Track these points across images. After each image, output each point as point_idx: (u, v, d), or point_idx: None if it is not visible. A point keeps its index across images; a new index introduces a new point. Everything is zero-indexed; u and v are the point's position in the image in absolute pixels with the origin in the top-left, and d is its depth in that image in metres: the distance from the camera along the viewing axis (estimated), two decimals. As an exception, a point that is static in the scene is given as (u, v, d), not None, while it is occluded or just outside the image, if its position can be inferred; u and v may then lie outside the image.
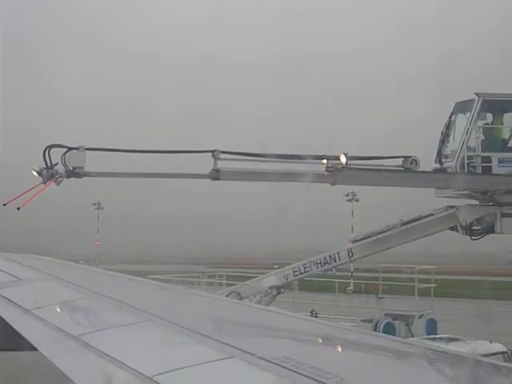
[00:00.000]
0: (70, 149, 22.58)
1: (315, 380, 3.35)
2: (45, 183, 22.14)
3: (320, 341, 5.30)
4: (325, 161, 24.30)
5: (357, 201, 58.41)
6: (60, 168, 22.35)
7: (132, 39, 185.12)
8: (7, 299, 7.17)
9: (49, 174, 22.13)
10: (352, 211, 58.32)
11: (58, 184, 22.32)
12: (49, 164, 22.20)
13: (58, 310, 6.62)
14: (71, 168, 22.42)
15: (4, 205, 22.22)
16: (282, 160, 24.42)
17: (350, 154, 24.29)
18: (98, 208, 69.73)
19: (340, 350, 4.98)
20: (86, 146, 23.04)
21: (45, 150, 22.26)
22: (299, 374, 3.49)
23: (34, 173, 22.29)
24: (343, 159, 23.98)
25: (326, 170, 24.17)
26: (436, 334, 23.49)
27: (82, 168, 22.58)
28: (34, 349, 5.13)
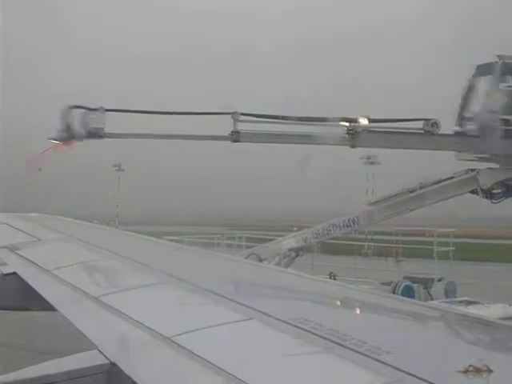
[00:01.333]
0: (89, 110, 22.60)
1: (333, 342, 3.35)
2: (66, 144, 22.20)
3: (338, 303, 5.30)
4: (345, 123, 24.20)
5: (374, 164, 57.95)
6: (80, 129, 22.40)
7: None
8: (27, 259, 7.22)
9: (69, 135, 22.18)
10: (371, 174, 58.00)
11: (81, 141, 22.36)
12: (68, 125, 22.24)
13: (78, 270, 6.66)
14: (91, 129, 22.46)
15: (27, 165, 22.33)
16: (302, 122, 24.34)
17: (369, 117, 24.19)
18: (118, 170, 69.83)
19: (358, 312, 4.98)
20: (106, 108, 23.06)
21: (64, 111, 22.29)
22: (317, 335, 3.49)
23: (52, 140, 22.29)
24: (363, 121, 23.87)
25: (347, 133, 24.09)
26: (455, 298, 23.50)
27: (102, 129, 22.61)
28: (54, 309, 5.16)
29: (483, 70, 25.36)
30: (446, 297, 23.88)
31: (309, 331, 3.57)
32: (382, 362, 2.98)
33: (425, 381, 2.71)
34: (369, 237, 51.05)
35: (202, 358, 3.39)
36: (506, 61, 24.63)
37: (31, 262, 7.06)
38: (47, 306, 5.33)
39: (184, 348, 3.59)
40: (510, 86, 25.42)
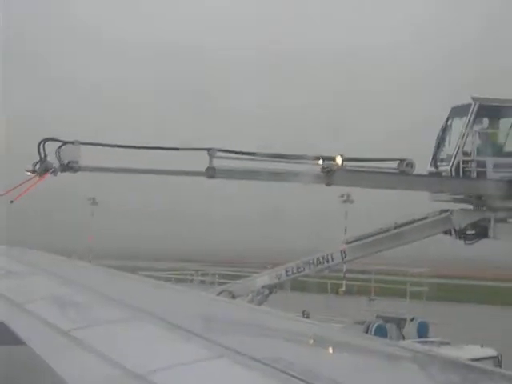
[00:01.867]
0: (64, 143, 22.51)
1: (306, 382, 3.33)
2: (40, 176, 22.07)
3: (311, 342, 5.28)
4: (320, 161, 24.30)
5: (351, 202, 58.34)
6: (55, 161, 22.28)
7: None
8: None
9: (43, 167, 22.05)
10: (346, 213, 58.28)
11: (54, 175, 22.23)
12: (43, 157, 22.12)
13: (49, 304, 6.59)
14: (66, 162, 22.34)
15: None
16: (277, 159, 24.41)
17: (346, 156, 24.32)
18: (92, 203, 69.63)
19: (331, 351, 4.96)
20: (81, 141, 22.98)
21: (39, 144, 22.18)
22: (289, 375, 3.47)
23: (28, 173, 22.15)
24: (339, 160, 23.98)
25: (322, 171, 24.17)
26: (427, 338, 23.51)
27: (76, 162, 22.50)
28: (24, 343, 5.10)
29: (458, 111, 25.65)
30: (419, 337, 23.89)
31: (281, 370, 3.54)
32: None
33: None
34: (342, 275, 51.15)
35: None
36: (481, 103, 24.93)
37: (2, 295, 6.98)
38: (17, 341, 5.26)
39: (155, 385, 3.55)
40: (483, 128, 25.72)
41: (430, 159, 25.63)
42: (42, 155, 22.13)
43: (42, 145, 22.22)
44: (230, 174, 24.24)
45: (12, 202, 21.88)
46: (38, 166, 22.10)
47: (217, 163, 23.55)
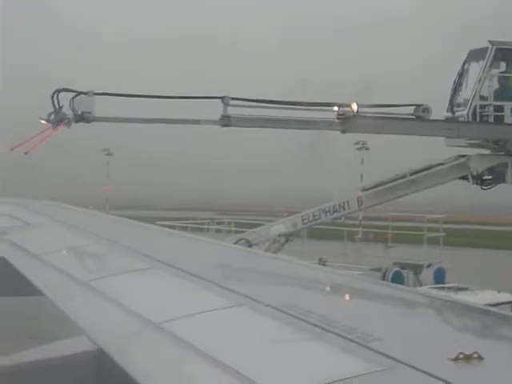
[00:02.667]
0: (78, 93, 22.45)
1: (323, 328, 3.33)
2: (54, 128, 22.07)
3: (328, 289, 5.28)
4: (336, 108, 24.14)
5: (367, 149, 58.07)
6: (69, 112, 22.26)
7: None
8: (16, 244, 7.18)
9: (57, 118, 22.04)
10: (362, 160, 58.07)
11: (68, 127, 22.23)
12: (57, 108, 22.10)
13: (67, 255, 6.63)
14: (80, 113, 22.32)
15: (11, 149, 22.21)
16: (292, 107, 24.27)
17: (361, 103, 24.16)
18: (107, 154, 69.68)
19: (348, 298, 4.96)
20: (95, 91, 22.93)
21: (53, 94, 22.13)
22: (307, 322, 3.47)
23: (43, 121, 22.17)
24: (354, 107, 23.82)
25: (337, 118, 24.03)
26: (444, 284, 23.56)
27: (90, 113, 22.47)
28: (42, 294, 5.14)
29: (475, 55, 25.33)
30: (436, 283, 23.94)
31: (298, 318, 3.55)
32: (371, 350, 2.96)
33: (415, 368, 2.69)
34: (359, 222, 51.17)
35: (191, 345, 3.36)
36: (498, 46, 24.60)
37: (19, 246, 7.02)
38: (36, 291, 5.30)
39: (173, 335, 3.57)
40: (501, 72, 25.42)
41: (447, 104, 25.41)
42: (57, 106, 22.10)
43: (55, 95, 22.17)
44: (245, 122, 24.15)
45: (26, 153, 21.92)
46: (52, 116, 22.09)
47: (231, 111, 23.48)
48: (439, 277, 24.93)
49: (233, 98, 23.50)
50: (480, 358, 2.74)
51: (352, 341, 3.10)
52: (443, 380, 2.57)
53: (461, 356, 2.73)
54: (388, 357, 2.85)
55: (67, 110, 22.23)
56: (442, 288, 21.54)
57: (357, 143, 57.10)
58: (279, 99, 24.35)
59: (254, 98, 24.16)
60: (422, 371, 2.66)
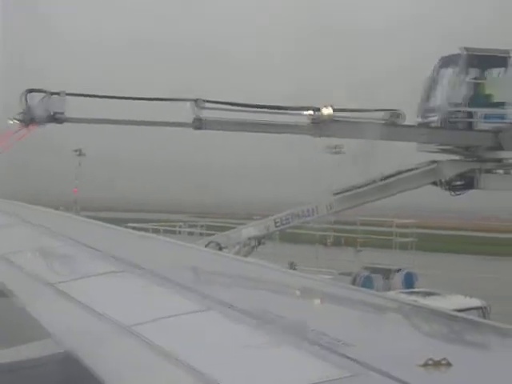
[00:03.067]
0: (50, 93, 22.30)
1: (292, 333, 3.32)
2: (25, 127, 21.91)
3: (298, 293, 5.28)
4: (310, 112, 24.18)
5: (338, 154, 58.16)
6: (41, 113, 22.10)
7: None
8: None
9: (27, 117, 21.88)
10: (335, 164, 58.10)
11: (41, 126, 22.08)
12: (27, 108, 21.93)
13: (35, 256, 6.56)
14: (52, 113, 22.16)
15: None
16: (266, 111, 24.27)
17: (335, 106, 24.22)
18: (79, 154, 69.31)
19: (318, 303, 4.96)
20: (67, 92, 22.79)
21: (23, 94, 21.97)
22: (276, 326, 3.46)
23: (11, 122, 21.99)
24: (329, 111, 23.88)
25: (311, 122, 24.07)
26: (414, 288, 23.68)
27: (62, 113, 22.32)
28: (7, 296, 5.07)
29: (447, 61, 25.49)
30: (405, 287, 24.06)
31: (268, 322, 3.53)
32: (341, 355, 2.95)
33: (384, 374, 2.69)
34: (329, 226, 51.28)
35: (160, 348, 3.34)
36: (470, 53, 24.77)
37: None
38: (1, 293, 5.22)
39: (142, 338, 3.54)
40: (473, 78, 25.60)
41: (418, 110, 25.55)
42: (25, 105, 21.94)
43: (25, 95, 22.01)
44: (218, 125, 24.11)
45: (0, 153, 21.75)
46: (22, 116, 21.93)
47: (204, 114, 23.44)
48: (409, 281, 25.06)
49: (206, 101, 23.47)
50: (449, 364, 2.75)
51: (321, 346, 3.08)
52: None
53: (430, 362, 2.73)
54: (357, 362, 2.84)
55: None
56: (412, 293, 21.63)
57: (334, 147, 57.20)
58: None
59: (228, 101, 24.12)
60: (392, 377, 2.65)
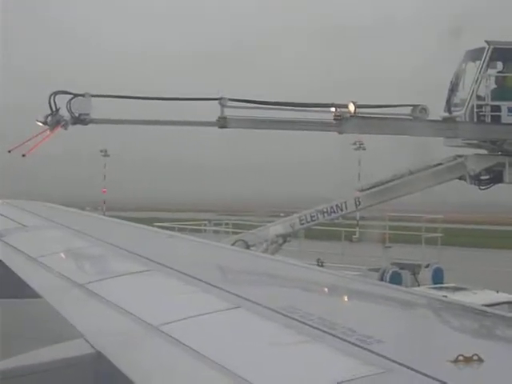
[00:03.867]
0: (75, 95, 22.44)
1: (322, 331, 3.32)
2: (51, 130, 22.06)
3: (326, 291, 5.27)
4: (333, 109, 24.13)
5: (364, 149, 58.14)
6: (66, 114, 22.24)
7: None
8: (13, 246, 7.16)
9: (54, 120, 22.03)
10: (359, 160, 58.12)
11: (65, 128, 22.21)
12: (54, 110, 22.08)
13: (64, 257, 6.61)
14: (77, 115, 22.30)
15: (9, 151, 22.16)
16: (289, 108, 24.25)
17: (358, 103, 24.14)
18: (104, 155, 69.76)
19: (346, 299, 4.95)
20: (92, 93, 22.92)
21: (50, 96, 22.12)
22: (306, 324, 3.46)
23: (39, 124, 22.14)
24: (351, 107, 23.81)
25: (334, 119, 24.01)
26: (442, 284, 23.54)
27: (87, 114, 22.46)
28: (39, 296, 5.11)
29: (472, 55, 25.32)
30: (434, 283, 23.91)
31: (297, 320, 3.54)
32: (371, 352, 2.95)
33: (415, 371, 2.68)
34: (356, 222, 51.20)
35: (190, 348, 3.35)
36: (495, 46, 24.58)
37: (16, 249, 7.00)
38: (33, 294, 5.27)
39: (171, 337, 3.55)
40: (498, 72, 25.41)
41: (444, 104, 25.40)
42: (54, 108, 22.09)
43: (52, 98, 22.16)
44: (242, 123, 24.14)
45: (24, 155, 21.87)
46: (49, 118, 22.08)
47: (228, 113, 23.47)
48: (437, 277, 24.90)
49: (230, 99, 23.49)
50: (480, 359, 2.73)
51: (351, 343, 3.08)
52: (443, 382, 2.56)
53: (460, 358, 2.72)
54: (388, 359, 2.84)
55: (65, 112, 22.20)
56: (441, 288, 21.51)
57: (354, 143, 57.23)
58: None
59: (251, 99, 24.13)
60: (422, 373, 2.65)
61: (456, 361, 2.71)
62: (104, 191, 67.05)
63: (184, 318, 3.85)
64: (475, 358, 2.73)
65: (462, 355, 2.72)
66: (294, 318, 3.56)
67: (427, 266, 25.49)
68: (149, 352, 3.57)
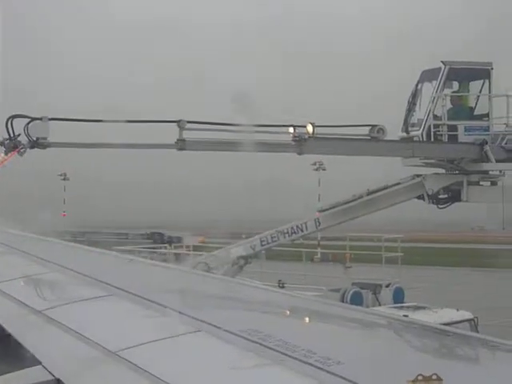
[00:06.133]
0: (32, 119, 22.23)
1: (282, 353, 3.32)
2: (7, 154, 21.82)
3: (287, 312, 5.27)
4: (291, 129, 24.19)
5: (324, 170, 58.53)
6: (23, 139, 22.01)
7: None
8: None
9: (11, 144, 21.80)
10: (319, 180, 58.44)
11: (21, 155, 21.98)
12: (11, 135, 21.86)
13: (22, 284, 6.53)
14: (34, 138, 22.09)
15: None
16: (248, 129, 24.26)
17: (316, 123, 24.23)
18: (64, 179, 69.33)
19: (307, 321, 4.96)
20: (50, 116, 22.73)
21: (7, 121, 21.90)
22: (266, 346, 3.46)
23: None
24: (310, 128, 23.90)
25: (293, 140, 24.07)
26: (403, 303, 23.64)
27: (45, 138, 22.26)
28: None
29: (428, 75, 25.60)
30: (395, 302, 24.01)
31: (257, 342, 3.53)
32: (331, 373, 2.95)
33: (375, 392, 2.69)
34: (317, 243, 51.37)
35: (150, 373, 3.32)
36: (451, 66, 24.89)
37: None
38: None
39: (131, 363, 3.52)
40: (454, 92, 25.74)
41: (402, 124, 25.62)
42: (11, 132, 21.86)
43: (9, 122, 21.94)
44: (200, 145, 24.07)
45: None
46: (6, 142, 21.84)
47: (186, 135, 23.43)
48: (398, 296, 25.01)
49: (188, 122, 23.46)
50: (439, 379, 2.75)
51: (311, 365, 3.08)
52: None
53: (420, 378, 2.73)
54: (348, 380, 2.84)
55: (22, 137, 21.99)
56: (401, 307, 21.61)
57: (314, 164, 57.56)
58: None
59: (209, 121, 24.11)
60: (382, 394, 2.66)
61: (415, 381, 2.72)
62: (63, 215, 66.51)
63: (144, 343, 3.82)
64: (434, 377, 2.74)
65: (421, 375, 2.74)
66: (254, 341, 3.55)
67: (388, 286, 25.60)
68: (108, 378, 3.54)
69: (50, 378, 3.60)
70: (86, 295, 5.43)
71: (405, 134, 25.42)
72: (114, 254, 9.70)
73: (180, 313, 4.45)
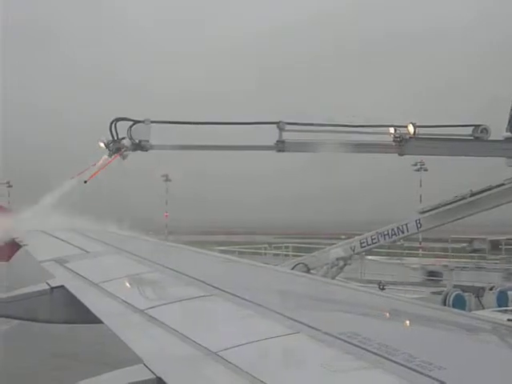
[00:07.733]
0: (135, 122, 22.69)
1: (382, 356, 3.28)
2: (111, 156, 22.32)
3: (387, 315, 5.21)
4: (392, 130, 23.95)
5: (425, 170, 57.61)
6: (126, 141, 22.49)
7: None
8: (75, 272, 7.25)
9: (115, 147, 22.30)
10: (420, 181, 57.60)
11: (123, 158, 22.47)
12: (115, 137, 22.37)
13: (125, 283, 6.67)
14: (137, 141, 22.54)
15: (85, 182, 22.36)
16: (347, 130, 24.13)
17: (417, 123, 23.92)
18: (166, 180, 70.55)
19: (408, 324, 4.88)
20: (151, 119, 23.15)
21: (111, 123, 22.41)
22: (366, 350, 3.42)
23: (101, 144, 22.46)
24: (411, 128, 23.60)
25: (394, 140, 23.83)
26: (507, 306, 23.07)
27: (147, 141, 22.68)
28: (100, 322, 5.16)
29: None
30: (498, 306, 23.45)
31: (357, 346, 3.50)
32: (432, 378, 2.90)
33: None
34: (419, 244, 50.70)
35: (249, 374, 3.33)
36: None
37: (78, 274, 7.09)
38: (94, 320, 5.33)
39: (231, 363, 3.54)
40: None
41: (506, 124, 25.02)
42: (115, 135, 22.37)
43: (113, 124, 22.45)
44: (299, 146, 24.09)
45: (86, 182, 22.12)
46: (111, 145, 22.36)
47: (285, 136, 23.49)
48: (502, 299, 24.42)
49: (288, 123, 23.50)
50: None
51: (412, 369, 3.04)
52: None
53: None
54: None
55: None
56: (505, 311, 21.08)
57: (415, 164, 56.74)
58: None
59: (308, 122, 24.08)
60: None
61: None
62: (166, 215, 67.80)
63: (244, 344, 3.84)
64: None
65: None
66: (354, 344, 3.52)
67: (491, 289, 25.02)
68: (208, 378, 3.57)
69: (152, 376, 3.66)
70: (187, 295, 5.50)
71: (509, 134, 24.79)
72: (214, 254, 9.81)
73: (279, 314, 4.46)
